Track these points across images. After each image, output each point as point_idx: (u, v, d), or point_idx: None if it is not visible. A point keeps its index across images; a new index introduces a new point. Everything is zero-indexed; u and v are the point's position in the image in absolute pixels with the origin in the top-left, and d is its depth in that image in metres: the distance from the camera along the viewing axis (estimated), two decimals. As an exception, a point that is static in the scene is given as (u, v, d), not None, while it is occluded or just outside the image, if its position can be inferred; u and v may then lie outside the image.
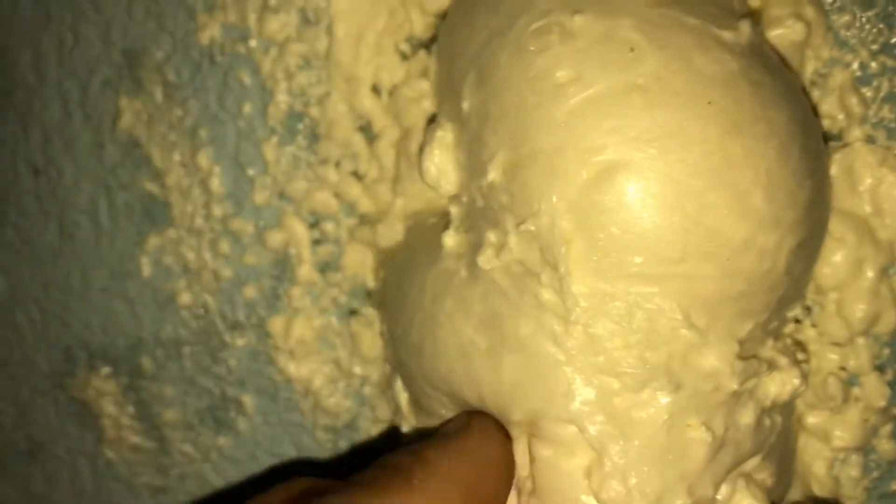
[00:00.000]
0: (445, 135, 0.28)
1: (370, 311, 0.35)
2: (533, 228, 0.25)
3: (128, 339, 0.37)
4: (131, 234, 0.36)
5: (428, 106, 0.32)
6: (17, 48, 0.36)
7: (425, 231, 0.32)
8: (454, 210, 0.29)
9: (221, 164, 0.35)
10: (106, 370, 0.38)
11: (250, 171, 0.35)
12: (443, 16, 0.32)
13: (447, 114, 0.29)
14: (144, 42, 0.35)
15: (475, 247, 0.28)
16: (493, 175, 0.26)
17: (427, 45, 0.32)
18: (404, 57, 0.33)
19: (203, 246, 0.36)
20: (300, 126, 0.34)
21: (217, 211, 0.35)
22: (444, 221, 0.31)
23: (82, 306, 0.38)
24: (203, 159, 0.35)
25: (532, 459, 0.27)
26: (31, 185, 0.37)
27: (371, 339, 0.35)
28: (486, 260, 0.27)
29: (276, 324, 0.36)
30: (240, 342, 0.36)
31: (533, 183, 0.25)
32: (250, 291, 0.35)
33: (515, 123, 0.26)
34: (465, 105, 0.27)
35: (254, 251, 0.35)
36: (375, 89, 0.33)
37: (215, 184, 0.35)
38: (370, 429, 0.36)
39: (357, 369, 0.36)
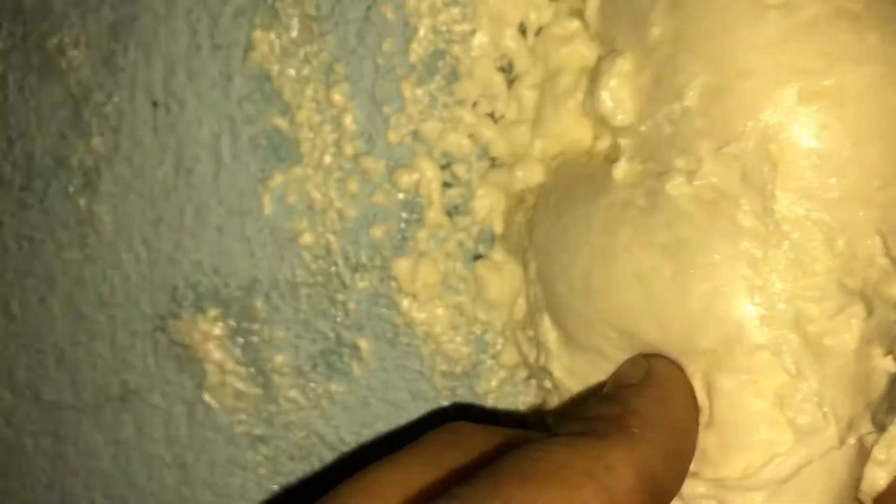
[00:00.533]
0: (625, 63, 0.28)
1: (497, 256, 0.35)
2: (736, 151, 0.25)
3: (241, 279, 0.36)
4: (254, 171, 0.35)
5: (578, 45, 0.32)
6: (145, -25, 0.35)
7: (577, 169, 0.32)
8: (625, 141, 0.29)
9: (357, 100, 0.34)
10: (214, 312, 0.37)
11: (386, 109, 0.34)
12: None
13: (625, 43, 0.29)
14: (283, -28, 0.34)
15: (656, 175, 0.28)
16: (690, 99, 0.26)
17: (578, -16, 0.32)
18: (552, -3, 0.33)
19: (330, 184, 0.35)
20: (440, 64, 0.34)
21: (348, 149, 0.34)
22: (603, 157, 0.31)
23: (194, 245, 0.37)
24: (337, 95, 0.34)
25: (712, 392, 0.26)
26: (149, 116, 0.36)
27: (497, 284, 0.35)
28: (675, 187, 0.27)
29: (402, 266, 0.35)
30: (361, 284, 0.36)
31: (737, 105, 0.25)
32: (377, 232, 0.35)
33: (718, 45, 0.26)
34: (655, 31, 0.27)
35: (383, 191, 0.35)
36: (521, 29, 0.33)
37: (348, 121, 0.34)
38: (489, 376, 0.36)
39: (481, 315, 0.35)
